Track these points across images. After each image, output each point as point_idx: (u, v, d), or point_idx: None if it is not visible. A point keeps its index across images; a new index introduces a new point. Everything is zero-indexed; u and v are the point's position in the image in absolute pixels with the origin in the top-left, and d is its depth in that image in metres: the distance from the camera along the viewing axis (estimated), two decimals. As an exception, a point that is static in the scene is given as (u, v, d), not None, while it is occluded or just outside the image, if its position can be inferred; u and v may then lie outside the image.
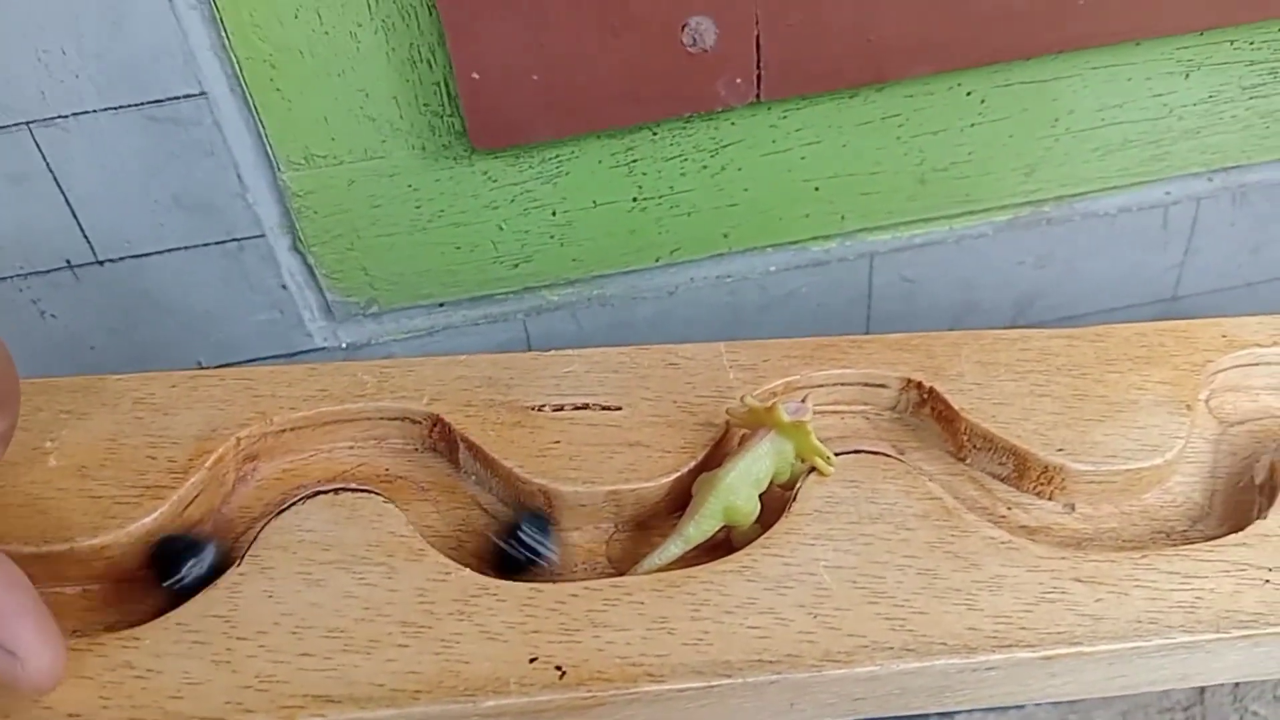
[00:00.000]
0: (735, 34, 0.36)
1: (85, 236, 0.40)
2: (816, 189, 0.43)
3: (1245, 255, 0.50)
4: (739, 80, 0.37)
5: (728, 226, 0.44)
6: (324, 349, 0.45)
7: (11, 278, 0.40)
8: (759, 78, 0.38)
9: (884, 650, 0.27)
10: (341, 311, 0.44)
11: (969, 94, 0.42)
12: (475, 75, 0.36)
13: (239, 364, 0.44)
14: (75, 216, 0.39)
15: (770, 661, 0.26)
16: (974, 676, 0.28)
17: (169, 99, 0.36)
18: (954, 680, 0.28)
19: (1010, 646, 0.27)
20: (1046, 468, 0.32)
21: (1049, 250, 0.48)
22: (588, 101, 0.37)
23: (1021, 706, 0.52)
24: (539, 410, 0.32)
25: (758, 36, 0.36)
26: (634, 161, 0.41)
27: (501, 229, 0.42)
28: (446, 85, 0.38)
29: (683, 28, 0.36)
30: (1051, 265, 0.48)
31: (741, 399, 0.30)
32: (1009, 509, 0.32)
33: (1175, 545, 0.31)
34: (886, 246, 0.46)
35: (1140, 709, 0.53)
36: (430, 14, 0.35)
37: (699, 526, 0.29)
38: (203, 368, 0.44)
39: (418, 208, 0.41)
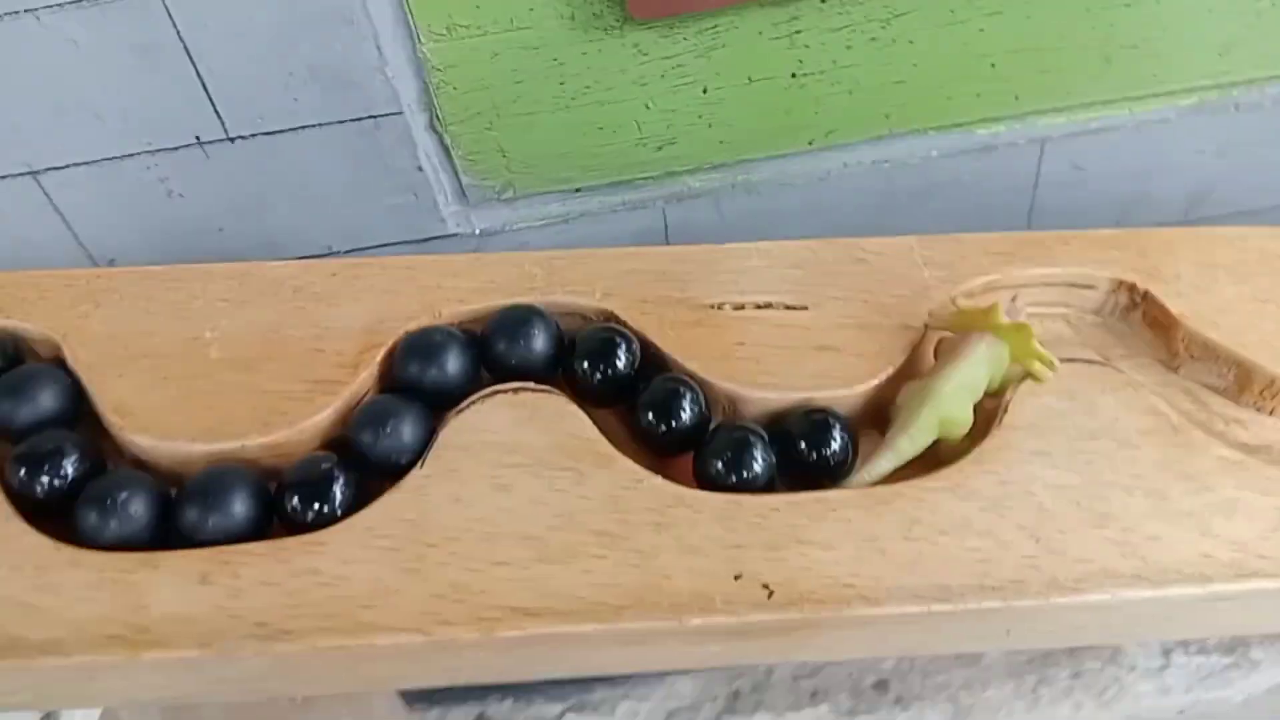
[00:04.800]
0: (933, -112, 0.32)
1: (216, 111, 0.37)
2: (992, 65, 0.40)
3: None
4: (929, -58, 0.34)
5: (891, 106, 0.41)
6: (457, 235, 0.43)
7: (139, 154, 0.38)
8: (951, -62, 0.34)
9: (1114, 578, 0.25)
10: (476, 196, 0.42)
11: (1174, -40, 0.37)
12: (642, -65, 0.33)
13: (371, 249, 0.42)
14: (206, 90, 0.37)
15: (993, 587, 0.25)
16: (1205, 607, 0.26)
17: (308, -40, 0.34)
18: (1183, 610, 0.26)
19: (1248, 576, 0.25)
20: (1273, 381, 0.29)
21: (1232, 138, 0.44)
22: (761, -35, 0.34)
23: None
24: (718, 308, 0.30)
25: (957, -110, 0.32)
26: (797, 33, 0.38)
27: (648, 108, 0.39)
28: (604, -53, 0.34)
29: (875, -120, 0.32)
30: (1232, 154, 0.44)
31: (953, 300, 0.28)
32: (1226, 424, 0.30)
33: None
34: (1060, 131, 0.42)
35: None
36: None
37: (913, 440, 0.27)
38: (333, 253, 0.43)
39: (562, 84, 0.38)
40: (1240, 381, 0.30)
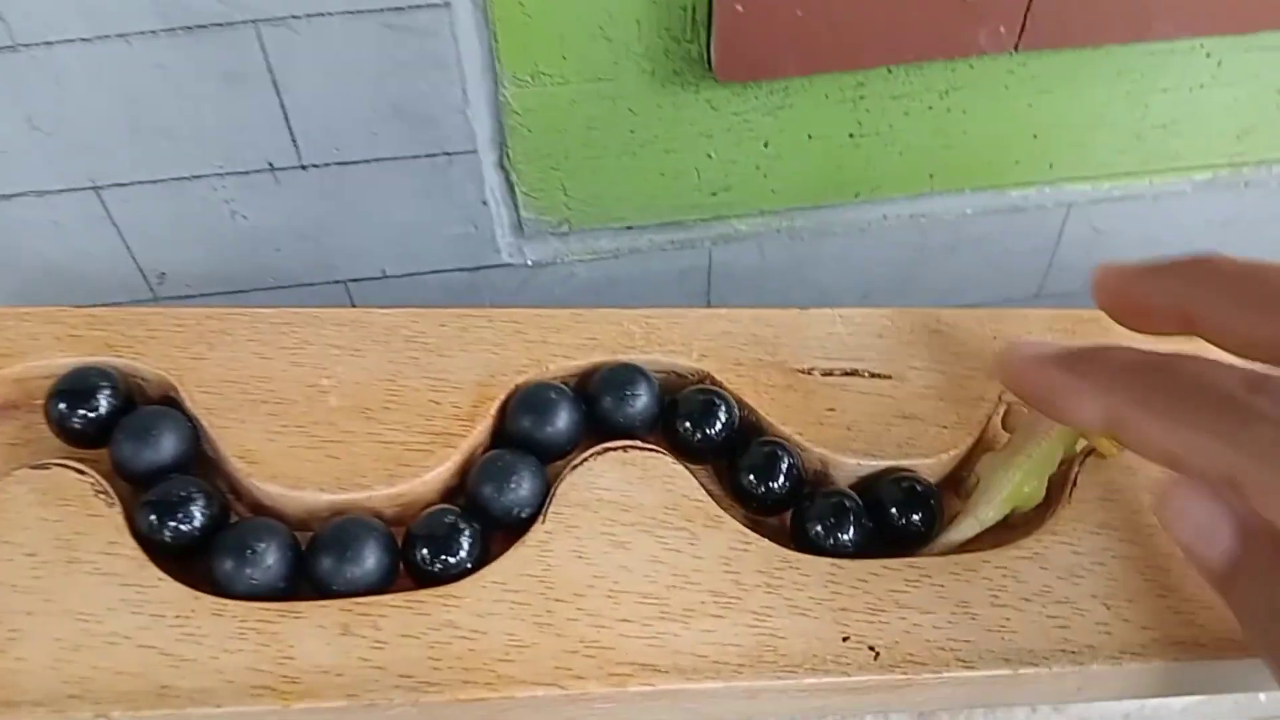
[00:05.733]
0: (1013, -19, 0.34)
1: (294, 140, 0.38)
2: (1034, 136, 0.42)
3: None
4: (1002, 29, 0.36)
5: (935, 167, 0.43)
6: (509, 265, 0.44)
7: (207, 176, 0.39)
8: (1022, 28, 0.36)
9: (1176, 644, 0.28)
10: (532, 229, 0.43)
11: (1208, 55, 0.40)
12: (739, 7, 0.34)
13: (424, 274, 0.43)
14: (287, 119, 0.37)
15: (1072, 652, 0.27)
16: (1246, 671, 0.28)
17: (410, 7, 0.34)
18: (1228, 673, 0.28)
19: (1288, 646, 0.28)
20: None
21: (1239, 212, 0.47)
22: (846, 41, 0.35)
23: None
24: (808, 373, 0.32)
25: (1035, -14, 0.35)
26: (860, 98, 0.40)
27: (710, 157, 0.41)
28: (694, 11, 0.36)
29: (962, -29, 0.34)
30: (1237, 226, 0.48)
31: (1032, 383, 0.30)
32: (1256, 498, 0.33)
33: None
34: (1086, 197, 0.45)
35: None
36: (701, -63, 0.33)
37: (996, 510, 0.29)
38: (386, 276, 0.43)
39: (632, 132, 0.40)
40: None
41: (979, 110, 0.41)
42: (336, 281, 0.43)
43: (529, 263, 0.44)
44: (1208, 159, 0.44)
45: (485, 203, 0.41)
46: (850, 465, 0.30)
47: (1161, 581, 0.29)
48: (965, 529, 0.29)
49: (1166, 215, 0.46)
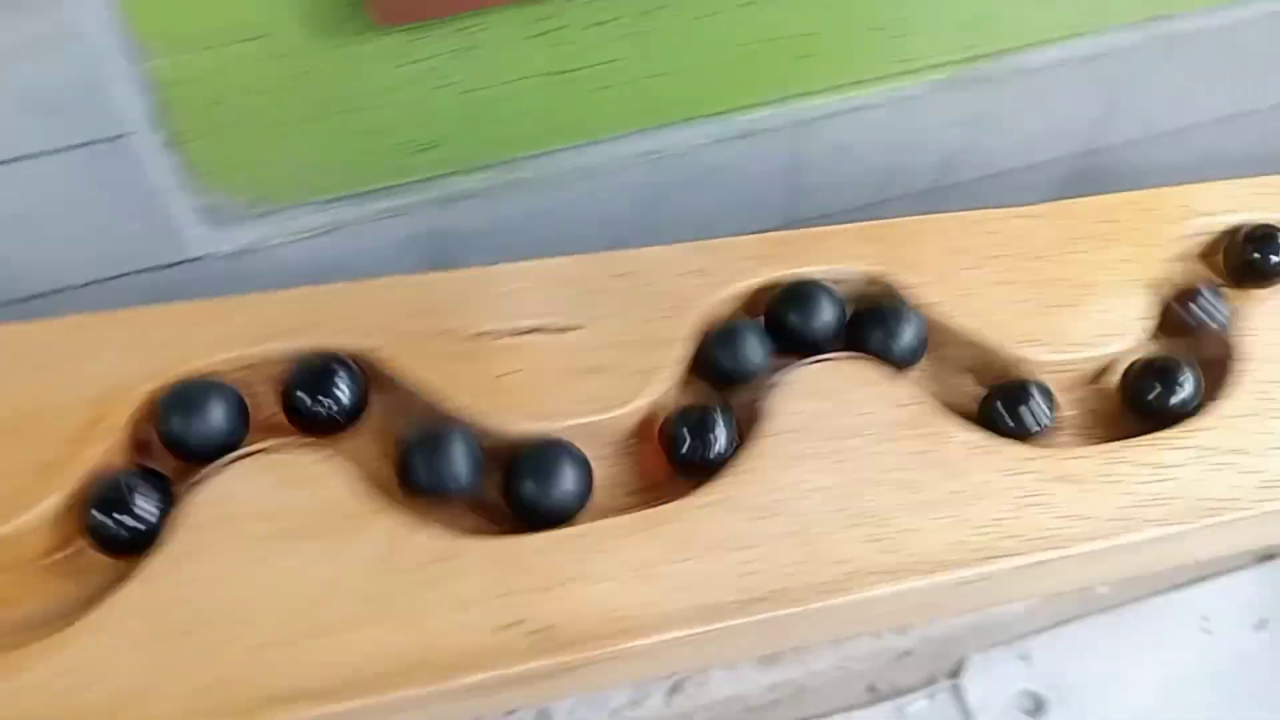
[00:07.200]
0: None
1: (-88, 148, 0.33)
2: (750, 53, 0.40)
3: (1171, 104, 0.49)
4: (671, -64, 0.33)
5: (653, 99, 0.40)
6: (203, 258, 0.40)
7: None
8: (691, -66, 0.33)
9: (872, 574, 0.26)
10: (223, 214, 0.39)
11: (914, -60, 0.38)
12: (370, -59, 0.31)
13: (109, 280, 0.39)
14: (-103, 128, 0.33)
15: (758, 600, 0.25)
16: (959, 590, 0.27)
17: (9, -17, 0.30)
18: (940, 596, 0.27)
19: (995, 558, 0.27)
20: (1017, 362, 0.31)
21: (981, 109, 0.46)
22: (499, -32, 0.32)
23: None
24: (486, 337, 0.29)
25: (694, -112, 0.32)
26: (555, 30, 0.37)
27: (406, 112, 0.38)
28: (331, -49, 0.32)
29: (610, -121, 0.31)
30: (980, 124, 0.46)
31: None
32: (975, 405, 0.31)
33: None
34: (817, 113, 0.43)
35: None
36: None
37: None
38: (66, 289, 0.39)
39: (310, 93, 0.36)
40: (985, 364, 0.31)
41: (685, 31, 0.38)
42: (15, 301, 0.39)
43: (227, 252, 0.40)
44: (939, 56, 0.43)
45: (157, 191, 0.37)
46: (521, 429, 0.28)
47: (859, 509, 0.27)
48: None
49: (906, 121, 0.45)
